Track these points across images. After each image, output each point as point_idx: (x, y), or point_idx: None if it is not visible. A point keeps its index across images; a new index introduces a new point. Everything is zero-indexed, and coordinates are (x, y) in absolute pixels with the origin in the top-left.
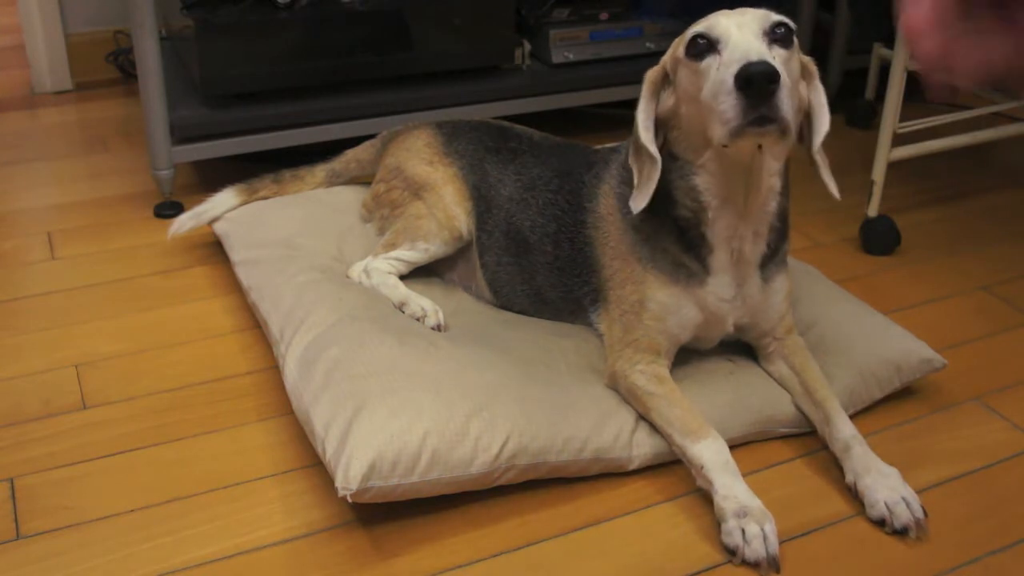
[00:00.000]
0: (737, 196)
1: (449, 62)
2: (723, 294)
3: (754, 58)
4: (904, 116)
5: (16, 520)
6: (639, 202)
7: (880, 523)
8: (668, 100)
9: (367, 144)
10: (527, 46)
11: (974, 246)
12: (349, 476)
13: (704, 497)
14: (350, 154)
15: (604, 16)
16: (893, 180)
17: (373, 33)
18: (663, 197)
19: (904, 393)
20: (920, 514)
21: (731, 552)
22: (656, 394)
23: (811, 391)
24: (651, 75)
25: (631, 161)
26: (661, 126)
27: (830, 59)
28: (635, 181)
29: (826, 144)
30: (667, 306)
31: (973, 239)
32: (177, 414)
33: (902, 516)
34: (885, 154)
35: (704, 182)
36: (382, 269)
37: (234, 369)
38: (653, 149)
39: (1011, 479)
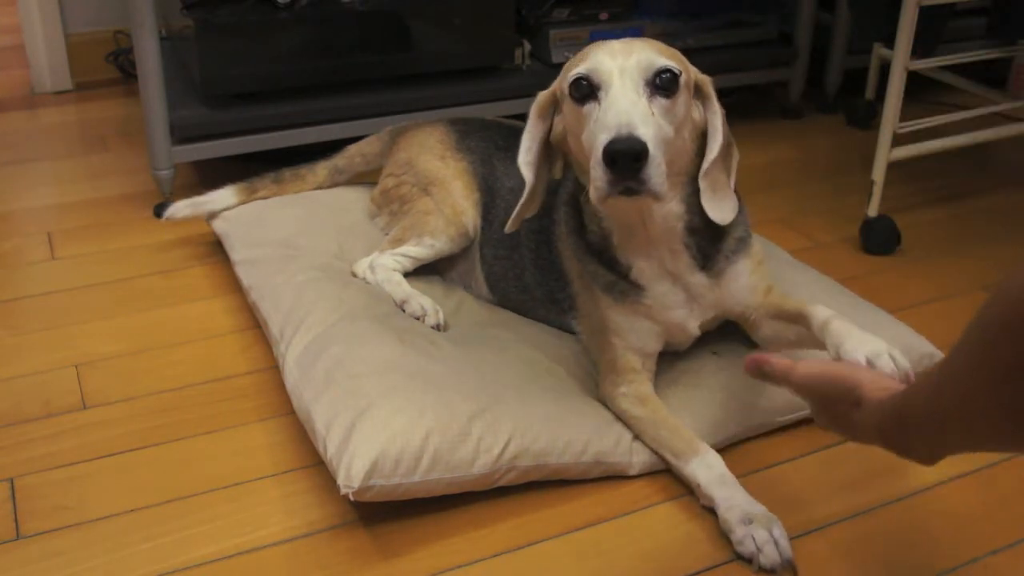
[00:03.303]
0: (635, 223)
1: (449, 62)
2: (668, 303)
3: (624, 132)
4: (904, 116)
5: (16, 520)
6: (508, 225)
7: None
8: (559, 126)
9: (373, 138)
10: (527, 46)
11: (974, 246)
12: (351, 474)
13: None
14: (354, 149)
15: (604, 16)
16: (893, 180)
17: (373, 33)
18: (580, 221)
19: None
20: (905, 364)
21: (747, 561)
22: (641, 418)
23: (789, 315)
24: (540, 98)
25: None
26: (559, 148)
27: (830, 59)
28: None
29: (826, 144)
30: (621, 325)
31: (973, 239)
32: (177, 414)
33: (885, 368)
34: (885, 154)
35: (603, 208)
36: (387, 265)
37: (234, 369)
38: (527, 173)
39: (1011, 479)
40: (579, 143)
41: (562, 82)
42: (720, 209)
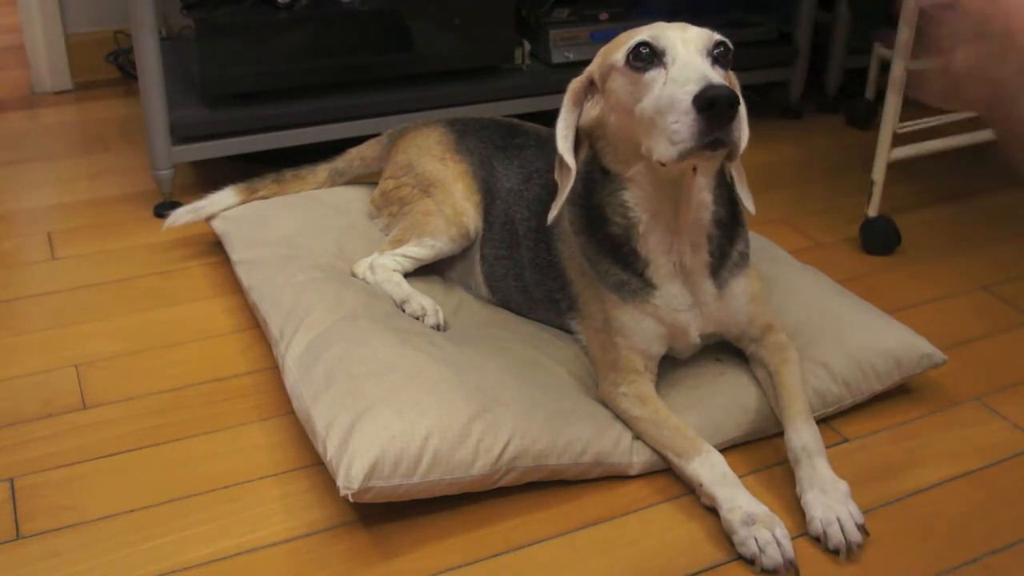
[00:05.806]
0: (667, 211)
1: (449, 62)
2: (676, 305)
3: (715, 81)
4: (904, 116)
5: (16, 520)
6: (551, 214)
7: (817, 540)
8: (592, 110)
9: (372, 141)
10: (527, 46)
11: (974, 246)
12: (351, 475)
13: None
14: (354, 152)
15: (604, 16)
16: (893, 180)
17: (373, 33)
18: (598, 215)
19: (904, 393)
20: (855, 536)
21: (750, 561)
22: (642, 418)
23: (777, 395)
24: (575, 84)
25: (556, 175)
26: (586, 137)
27: (830, 59)
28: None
29: (826, 144)
30: (626, 324)
31: (973, 239)
32: (177, 414)
33: (833, 538)
34: (885, 154)
35: (633, 196)
36: (387, 266)
37: (234, 369)
38: (569, 158)
39: (1011, 479)
40: (628, 117)
41: (606, 57)
42: (748, 198)
